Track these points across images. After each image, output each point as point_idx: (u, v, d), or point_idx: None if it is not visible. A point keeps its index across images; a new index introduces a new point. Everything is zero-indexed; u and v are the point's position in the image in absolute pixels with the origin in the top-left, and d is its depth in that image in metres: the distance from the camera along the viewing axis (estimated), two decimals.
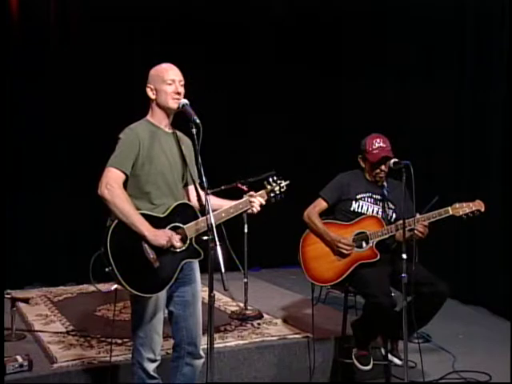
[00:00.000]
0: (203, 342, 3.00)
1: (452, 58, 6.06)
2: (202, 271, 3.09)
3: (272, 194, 3.14)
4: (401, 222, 3.56)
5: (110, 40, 6.19)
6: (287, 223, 5.42)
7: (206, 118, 2.89)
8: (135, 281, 2.82)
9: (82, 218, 5.96)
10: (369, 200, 3.95)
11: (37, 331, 4.25)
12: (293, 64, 7.06)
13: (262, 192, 3.14)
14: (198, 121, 2.83)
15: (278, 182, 3.17)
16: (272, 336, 4.22)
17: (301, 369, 4.05)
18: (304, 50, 7.21)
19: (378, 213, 3.93)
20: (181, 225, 2.94)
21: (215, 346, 2.77)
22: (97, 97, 6.11)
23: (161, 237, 2.85)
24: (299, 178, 4.40)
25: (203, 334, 3.06)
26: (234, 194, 3.42)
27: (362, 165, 4.02)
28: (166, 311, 3.10)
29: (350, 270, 3.82)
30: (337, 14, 7.20)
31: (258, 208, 3.07)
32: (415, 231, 3.64)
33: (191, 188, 3.10)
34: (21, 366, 3.43)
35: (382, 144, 3.90)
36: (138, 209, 2.88)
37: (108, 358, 3.57)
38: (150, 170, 2.95)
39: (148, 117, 3.06)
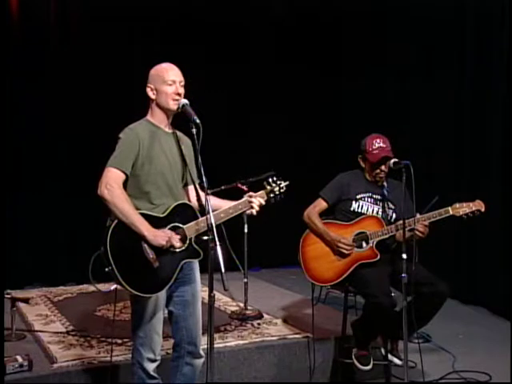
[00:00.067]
0: (203, 342, 3.00)
1: (452, 58, 6.06)
2: (202, 271, 3.09)
3: (271, 195, 3.14)
4: (401, 222, 3.56)
5: (110, 40, 6.19)
6: (287, 223, 5.41)
7: (205, 118, 2.89)
8: (135, 281, 2.82)
9: (82, 218, 5.96)
10: (369, 200, 3.95)
11: (37, 331, 4.25)
12: (293, 64, 7.06)
13: (262, 192, 3.14)
14: (198, 121, 2.84)
15: (278, 182, 3.17)
16: (272, 336, 4.22)
17: (301, 369, 4.05)
18: (304, 49, 7.21)
19: (378, 213, 3.93)
20: (180, 225, 2.94)
21: (215, 345, 2.77)
22: (97, 97, 6.11)
23: (160, 237, 2.85)
24: (299, 178, 4.40)
25: (203, 333, 3.06)
26: (234, 194, 3.42)
27: (362, 165, 4.02)
28: (166, 311, 3.10)
29: (350, 270, 3.82)
30: (337, 14, 7.20)
31: (258, 208, 3.07)
32: (415, 231, 3.64)
33: (191, 188, 3.10)
34: (21, 365, 3.43)
35: (381, 144, 3.90)
36: (137, 209, 2.88)
37: (108, 358, 3.56)
38: (149, 169, 2.95)
39: (148, 117, 3.06)
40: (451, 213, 3.71)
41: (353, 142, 4.19)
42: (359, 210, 3.93)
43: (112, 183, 2.84)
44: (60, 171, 6.11)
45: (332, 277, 3.88)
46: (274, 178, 3.17)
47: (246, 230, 4.79)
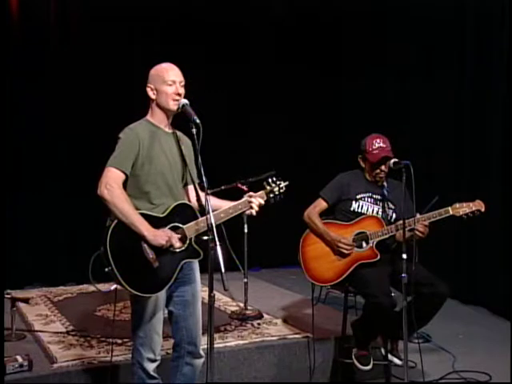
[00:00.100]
0: (203, 342, 3.00)
1: (452, 58, 6.06)
2: (202, 271, 3.09)
3: (271, 195, 3.14)
4: (401, 222, 3.56)
5: (110, 40, 6.19)
6: (287, 223, 5.41)
7: (205, 118, 2.89)
8: (135, 281, 2.82)
9: (82, 218, 5.96)
10: (369, 200, 3.95)
11: (37, 331, 4.25)
12: (293, 64, 7.06)
13: (261, 193, 3.13)
14: (198, 121, 2.83)
15: (278, 182, 3.17)
16: (272, 336, 4.22)
17: (301, 369, 4.05)
18: (304, 49, 7.21)
19: (378, 213, 3.93)
20: (180, 225, 2.94)
21: (215, 345, 2.77)
22: (97, 97, 6.11)
23: (160, 236, 2.85)
24: (299, 178, 4.41)
25: (203, 333, 3.06)
26: (234, 194, 3.42)
27: (362, 165, 4.02)
28: (166, 311, 3.10)
29: (350, 270, 3.82)
30: (337, 14, 7.20)
31: (257, 209, 3.07)
32: (415, 231, 3.64)
33: (191, 188, 3.10)
34: (21, 365, 3.43)
35: (381, 144, 3.90)
36: (137, 209, 2.88)
37: (108, 358, 3.56)
38: (149, 169, 2.95)
39: (148, 117, 3.06)
40: (451, 213, 3.71)
41: (353, 142, 4.19)
42: (359, 210, 3.93)
43: (112, 183, 2.84)
44: (60, 171, 6.12)
45: (332, 277, 3.88)
46: (274, 179, 3.17)
47: (245, 230, 4.79)
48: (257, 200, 3.07)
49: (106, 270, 2.80)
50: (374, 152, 3.88)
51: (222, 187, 4.46)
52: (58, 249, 6.17)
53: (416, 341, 3.92)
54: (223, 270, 2.62)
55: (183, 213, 2.97)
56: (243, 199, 3.08)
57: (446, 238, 5.79)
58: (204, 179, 2.80)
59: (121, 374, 3.56)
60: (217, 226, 2.77)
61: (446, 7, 6.02)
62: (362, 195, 3.95)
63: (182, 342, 3.08)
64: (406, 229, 3.48)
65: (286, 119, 7.17)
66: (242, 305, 4.90)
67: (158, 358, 3.05)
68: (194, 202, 3.04)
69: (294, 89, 7.13)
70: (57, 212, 6.08)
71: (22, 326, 4.36)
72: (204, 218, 2.89)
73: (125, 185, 2.92)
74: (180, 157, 3.06)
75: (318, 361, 4.05)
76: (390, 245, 3.91)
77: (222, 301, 5.14)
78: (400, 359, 3.99)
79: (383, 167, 3.90)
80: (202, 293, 3.14)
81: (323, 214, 4.01)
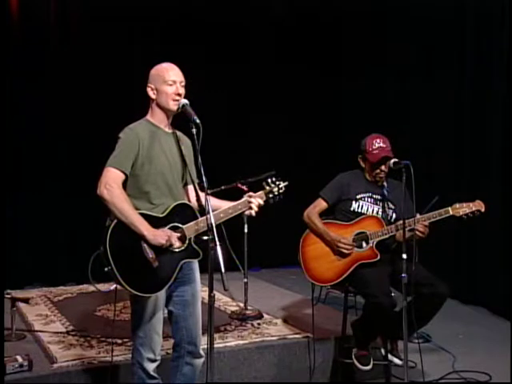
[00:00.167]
0: (203, 342, 3.00)
1: (452, 58, 6.06)
2: (202, 271, 3.08)
3: (270, 195, 3.14)
4: (401, 222, 3.56)
5: (110, 40, 6.19)
6: (287, 223, 5.41)
7: (205, 118, 2.89)
8: (134, 280, 2.82)
9: (82, 218, 5.96)
10: (369, 200, 3.95)
11: (37, 331, 4.25)
12: (293, 64, 7.06)
13: (261, 193, 3.13)
14: (198, 121, 2.83)
15: (277, 183, 3.16)
16: (272, 336, 4.22)
17: (301, 369, 4.05)
18: (304, 49, 7.21)
19: (378, 213, 3.93)
20: (180, 225, 2.94)
21: (215, 345, 2.77)
22: (97, 97, 6.11)
23: (160, 236, 2.84)
24: (299, 178, 4.41)
25: (203, 333, 3.05)
26: (234, 194, 3.42)
27: (362, 165, 4.02)
28: (166, 311, 3.10)
29: (350, 270, 3.82)
30: (337, 14, 7.20)
31: (256, 209, 3.06)
32: (415, 231, 3.64)
33: (190, 188, 3.10)
34: (21, 365, 3.43)
35: (382, 144, 3.90)
36: (137, 208, 2.88)
37: (108, 358, 3.57)
38: (149, 169, 2.95)
39: (148, 116, 3.06)
40: (451, 213, 3.70)
41: (353, 142, 4.19)
42: (359, 210, 3.93)
43: (111, 183, 2.84)
44: (60, 171, 6.12)
45: (332, 277, 3.88)
46: (273, 179, 3.17)
47: (246, 230, 4.79)
48: (256, 200, 3.06)
49: (106, 269, 2.80)
50: (374, 152, 3.88)
51: (222, 187, 4.46)
52: (58, 249, 6.17)
53: (416, 341, 3.92)
54: (223, 270, 2.62)
55: (183, 213, 2.97)
56: (243, 199, 3.08)
57: (446, 238, 5.79)
58: (204, 179, 2.80)
59: (121, 373, 3.56)
60: (217, 226, 2.77)
61: (446, 7, 6.02)
62: (362, 195, 3.95)
63: (181, 341, 3.08)
64: (406, 229, 3.48)
65: (286, 119, 7.17)
66: (241, 305, 4.90)
67: (158, 357, 3.05)
68: (193, 202, 3.05)
69: (294, 89, 7.12)
70: (57, 212, 6.08)
71: (22, 326, 4.36)
72: (204, 218, 2.89)
73: (124, 185, 2.91)
74: (180, 157, 3.06)
75: (318, 361, 4.05)
76: (390, 245, 3.91)
77: (222, 301, 5.14)
78: (400, 359, 4.00)
79: (383, 167, 3.90)
80: (202, 293, 3.15)
81: (323, 214, 4.01)
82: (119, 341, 3.94)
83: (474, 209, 3.71)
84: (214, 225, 2.72)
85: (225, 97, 6.82)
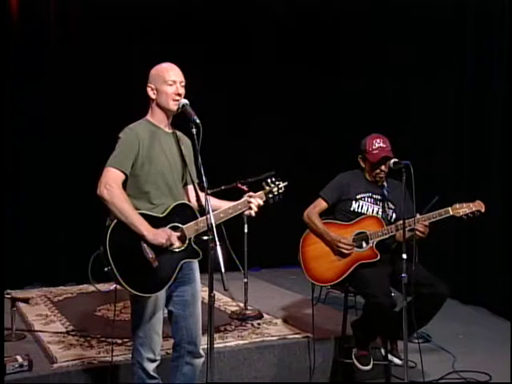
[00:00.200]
0: (203, 342, 3.00)
1: (452, 58, 6.06)
2: (202, 271, 3.08)
3: (270, 196, 3.14)
4: (401, 222, 3.55)
5: (110, 40, 6.20)
6: (287, 223, 5.41)
7: (206, 118, 2.89)
8: (134, 280, 2.82)
9: (82, 218, 5.96)
10: (369, 200, 3.95)
11: (37, 331, 4.25)
12: (293, 64, 7.06)
13: (261, 193, 3.13)
14: (198, 121, 2.83)
15: (277, 183, 3.16)
16: (272, 336, 4.22)
17: (301, 369, 4.05)
18: (304, 49, 7.21)
19: (378, 213, 3.93)
20: (180, 225, 2.94)
21: (215, 345, 2.77)
22: (97, 97, 6.11)
23: (160, 235, 2.84)
24: (299, 178, 4.41)
25: (203, 333, 3.05)
26: (234, 194, 3.42)
27: (362, 165, 4.02)
28: (166, 311, 3.10)
29: (350, 270, 3.82)
30: (337, 14, 7.20)
31: (256, 209, 3.06)
32: (415, 231, 3.64)
33: (190, 188, 3.10)
34: (21, 365, 3.43)
35: (381, 144, 3.90)
36: (137, 209, 2.88)
37: (108, 358, 3.56)
38: (149, 169, 2.95)
39: (148, 116, 3.06)
40: (451, 213, 3.70)
41: (353, 142, 4.18)
42: (359, 210, 3.93)
43: (111, 183, 2.84)
44: (60, 171, 6.12)
45: (332, 277, 3.88)
46: (273, 179, 3.17)
47: (246, 230, 4.79)
48: (256, 200, 3.06)
49: (106, 269, 2.80)
50: (374, 152, 3.88)
51: (222, 187, 4.46)
52: (58, 249, 6.17)
53: (416, 341, 3.91)
54: (223, 270, 2.62)
55: (183, 213, 2.97)
56: (243, 199, 3.08)
57: (446, 238, 5.79)
58: (204, 179, 2.80)
59: (121, 373, 3.56)
60: (217, 226, 2.77)
61: (446, 7, 6.02)
62: (362, 195, 3.95)
63: (181, 341, 3.08)
64: (406, 229, 3.48)
65: (286, 119, 7.17)
66: (241, 305, 4.90)
67: (158, 357, 3.05)
68: (193, 202, 3.05)
69: (294, 89, 7.13)
70: (57, 212, 6.08)
71: (22, 326, 4.36)
72: (204, 218, 2.89)
73: (124, 185, 2.91)
74: (180, 157, 3.06)
75: (318, 361, 4.05)
76: (390, 245, 3.91)
77: (222, 301, 5.14)
78: (400, 359, 3.99)
79: (383, 167, 3.90)
80: (202, 293, 3.14)
81: (323, 214, 4.01)
82: (119, 341, 3.94)
83: (474, 209, 3.71)
84: (213, 225, 2.72)
85: (225, 97, 6.82)
